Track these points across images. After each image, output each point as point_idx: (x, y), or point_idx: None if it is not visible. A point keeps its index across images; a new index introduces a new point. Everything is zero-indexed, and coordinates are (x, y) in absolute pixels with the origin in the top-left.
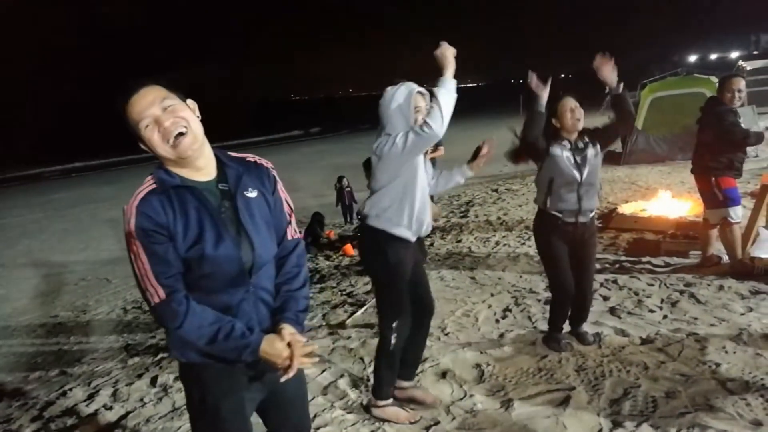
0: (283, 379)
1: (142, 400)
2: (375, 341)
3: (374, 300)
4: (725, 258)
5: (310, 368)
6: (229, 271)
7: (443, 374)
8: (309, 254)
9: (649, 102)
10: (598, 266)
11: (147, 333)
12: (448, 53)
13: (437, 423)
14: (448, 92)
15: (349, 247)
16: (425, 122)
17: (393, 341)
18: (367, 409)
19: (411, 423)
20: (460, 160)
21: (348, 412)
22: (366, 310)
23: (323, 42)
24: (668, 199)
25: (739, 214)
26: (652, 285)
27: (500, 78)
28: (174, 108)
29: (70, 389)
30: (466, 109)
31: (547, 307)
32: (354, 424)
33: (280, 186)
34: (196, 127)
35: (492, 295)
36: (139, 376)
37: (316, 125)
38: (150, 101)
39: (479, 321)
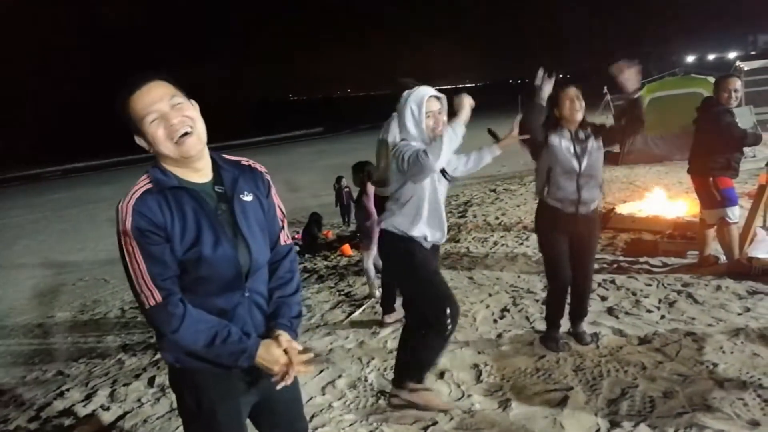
0: (279, 387)
1: (139, 400)
2: (373, 341)
3: (372, 300)
4: (723, 258)
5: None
6: (225, 274)
7: (441, 374)
8: (308, 254)
9: (647, 102)
10: (596, 266)
11: (144, 333)
12: (465, 102)
13: (435, 423)
14: (455, 134)
15: (347, 247)
16: (424, 151)
17: (449, 327)
18: (394, 393)
19: (445, 411)
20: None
21: (346, 413)
22: (364, 310)
23: (323, 42)
24: (666, 200)
25: (736, 214)
26: (649, 285)
27: (500, 78)
28: (182, 106)
29: (68, 390)
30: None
31: (545, 308)
32: (352, 425)
33: (273, 191)
34: (201, 129)
35: (490, 295)
36: (137, 376)
37: (316, 125)
38: (158, 96)
39: (477, 321)
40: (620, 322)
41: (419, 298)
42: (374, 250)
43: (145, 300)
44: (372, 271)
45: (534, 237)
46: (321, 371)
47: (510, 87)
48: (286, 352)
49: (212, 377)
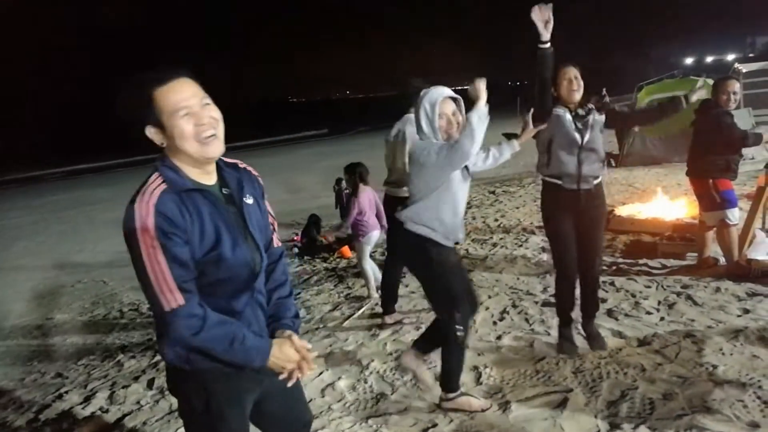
0: (290, 384)
1: (138, 402)
2: (372, 343)
3: (371, 302)
4: (722, 260)
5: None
6: (242, 275)
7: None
8: (307, 256)
9: (646, 104)
10: None
11: (144, 335)
12: (480, 85)
13: (435, 425)
14: (480, 117)
15: (346, 249)
16: (459, 140)
17: (459, 333)
18: (439, 405)
19: (483, 410)
20: None
21: (346, 415)
22: (363, 312)
23: (323, 42)
24: (665, 201)
25: (736, 216)
26: (649, 287)
27: (500, 78)
28: (210, 107)
29: (67, 392)
30: (467, 108)
31: (545, 310)
32: (352, 426)
33: (265, 195)
34: (222, 133)
35: (489, 297)
36: (136, 378)
37: (319, 127)
38: (192, 92)
39: (477, 323)
40: (620, 323)
41: (433, 298)
42: (367, 250)
43: (165, 302)
44: (369, 272)
45: (533, 239)
46: (321, 373)
47: (509, 87)
48: (297, 350)
49: (222, 377)
